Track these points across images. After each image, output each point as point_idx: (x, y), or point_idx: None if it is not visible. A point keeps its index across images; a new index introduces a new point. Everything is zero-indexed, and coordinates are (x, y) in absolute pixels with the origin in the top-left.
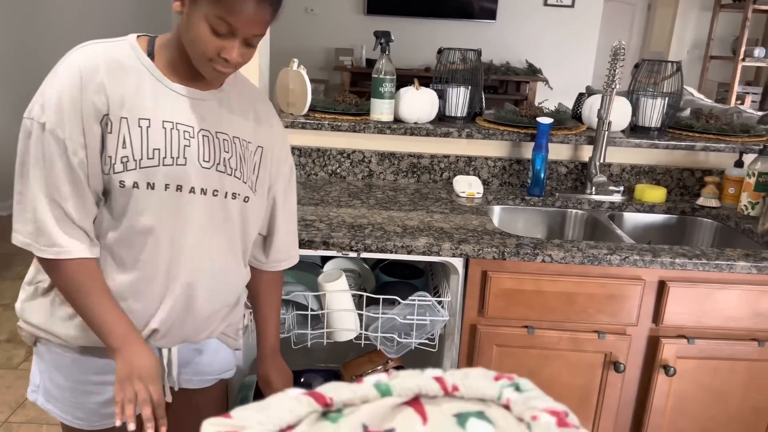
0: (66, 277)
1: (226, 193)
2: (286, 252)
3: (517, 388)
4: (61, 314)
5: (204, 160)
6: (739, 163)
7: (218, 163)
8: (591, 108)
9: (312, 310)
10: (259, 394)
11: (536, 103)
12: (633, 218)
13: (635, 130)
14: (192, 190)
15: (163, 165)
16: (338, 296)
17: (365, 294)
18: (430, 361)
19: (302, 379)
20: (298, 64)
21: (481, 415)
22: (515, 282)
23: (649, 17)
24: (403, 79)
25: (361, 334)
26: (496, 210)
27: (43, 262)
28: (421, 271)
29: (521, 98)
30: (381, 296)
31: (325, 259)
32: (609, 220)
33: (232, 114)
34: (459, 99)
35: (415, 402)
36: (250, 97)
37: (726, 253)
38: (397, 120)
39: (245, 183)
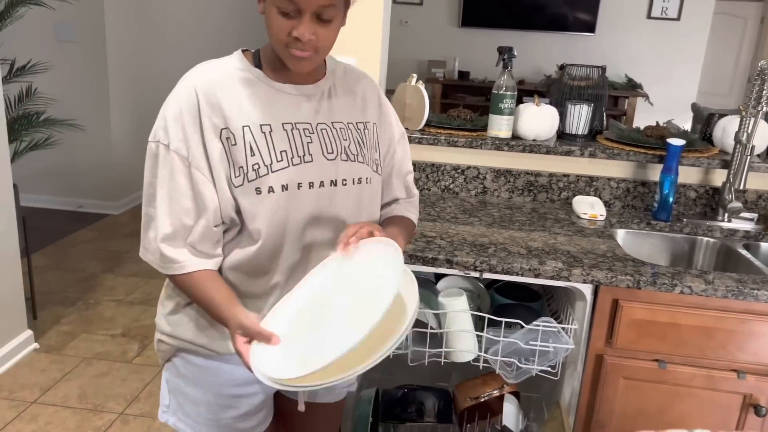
0: (189, 286)
1: (353, 179)
2: (407, 187)
3: None
4: (204, 323)
5: (328, 153)
6: None
7: (341, 153)
8: (725, 130)
9: (431, 328)
10: (375, 409)
11: (632, 120)
12: None
13: None
14: (331, 183)
15: (293, 165)
16: (459, 316)
17: (487, 316)
18: (549, 389)
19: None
20: (416, 80)
21: None
22: (648, 312)
23: (761, 31)
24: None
25: (479, 356)
26: (620, 233)
27: (170, 276)
28: (537, 293)
29: (619, 114)
30: (503, 319)
31: (439, 276)
32: (745, 249)
33: (341, 101)
34: (580, 116)
35: None
36: (353, 78)
37: None
38: (515, 136)
39: (368, 165)
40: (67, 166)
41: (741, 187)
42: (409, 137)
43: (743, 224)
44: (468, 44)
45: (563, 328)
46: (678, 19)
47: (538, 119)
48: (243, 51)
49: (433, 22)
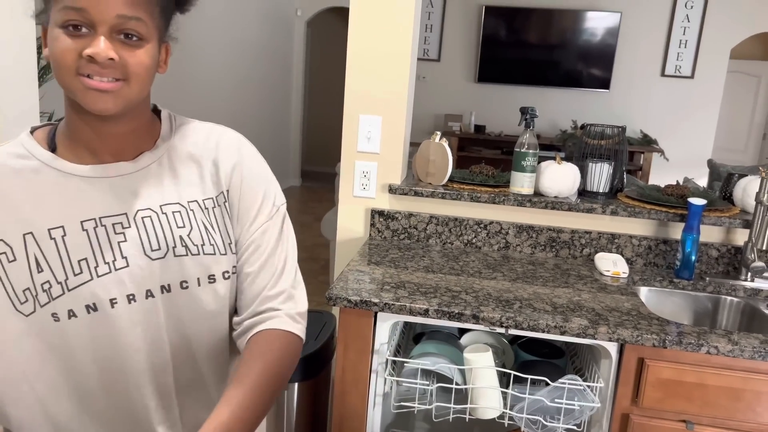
0: None
1: (199, 279)
2: (286, 309)
3: None
4: None
5: (152, 250)
6: None
7: (174, 246)
8: (745, 190)
9: (456, 383)
10: None
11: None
12: None
13: None
14: (150, 294)
15: (98, 276)
16: (484, 372)
17: (513, 372)
18: None
19: None
20: (440, 137)
21: None
22: (675, 372)
23: None
24: (511, 145)
25: (504, 413)
26: (643, 291)
27: None
28: (560, 350)
29: (635, 168)
30: (529, 376)
31: (462, 330)
32: None
33: (178, 174)
34: (602, 174)
35: None
36: (202, 141)
37: None
38: (537, 193)
39: (224, 254)
40: None
41: (763, 247)
42: (432, 192)
43: (766, 284)
44: (484, 99)
45: (588, 386)
46: (692, 77)
47: (560, 177)
48: (36, 129)
49: (450, 78)
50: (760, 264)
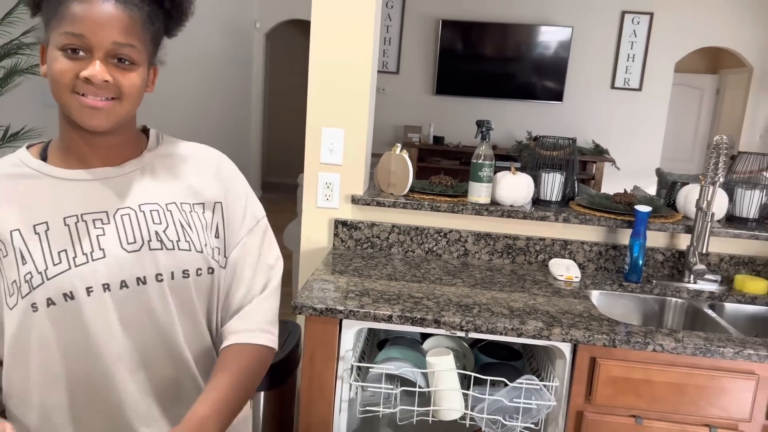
0: None
1: (173, 273)
2: (256, 322)
3: None
4: None
5: (128, 243)
6: None
7: (150, 240)
8: (687, 197)
9: (419, 386)
10: None
11: (601, 185)
12: (734, 309)
13: (731, 220)
14: (124, 284)
15: (75, 266)
16: (446, 375)
17: (473, 374)
18: None
19: None
20: (401, 149)
21: None
22: (624, 370)
23: (717, 101)
24: (469, 156)
25: (466, 414)
26: (595, 294)
27: None
28: (518, 352)
29: (588, 177)
30: (488, 377)
31: (425, 335)
32: (710, 309)
33: (160, 179)
34: (554, 184)
35: None
36: (185, 154)
37: None
38: (494, 202)
39: (200, 252)
40: None
41: (704, 251)
42: (394, 202)
43: (708, 285)
44: (442, 110)
45: (545, 386)
46: (640, 89)
47: (515, 187)
48: (30, 146)
49: (409, 90)
50: (701, 267)
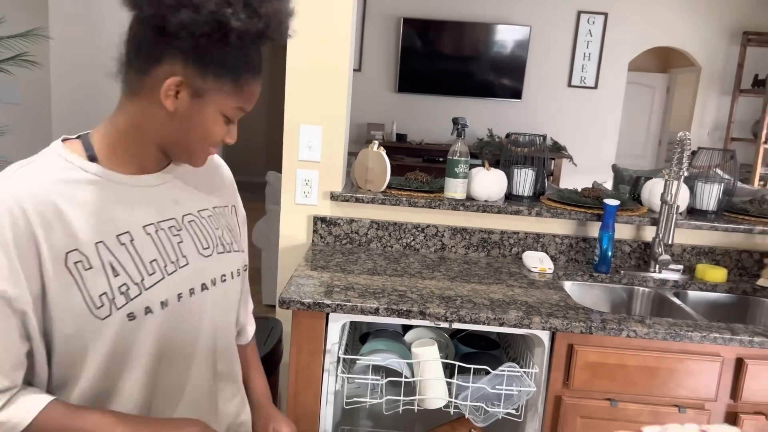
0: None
1: (235, 270)
2: (250, 317)
3: None
4: None
5: (204, 249)
6: None
7: (218, 244)
8: (651, 191)
9: (405, 377)
10: None
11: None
12: (696, 296)
13: (692, 212)
14: (204, 286)
15: (168, 275)
16: (431, 365)
17: (457, 363)
18: (513, 431)
19: None
20: (377, 146)
21: None
22: (600, 355)
23: (668, 99)
24: (432, 153)
25: (450, 402)
26: (567, 285)
27: None
28: (495, 342)
29: (547, 173)
30: (472, 366)
31: (406, 328)
32: (675, 297)
33: (198, 185)
34: (526, 179)
35: None
36: None
37: None
38: (469, 197)
39: (242, 252)
40: None
41: (669, 242)
42: (372, 198)
43: (672, 275)
44: (405, 108)
45: (525, 372)
46: (596, 87)
47: (490, 182)
48: (63, 141)
49: (371, 88)
50: (666, 257)
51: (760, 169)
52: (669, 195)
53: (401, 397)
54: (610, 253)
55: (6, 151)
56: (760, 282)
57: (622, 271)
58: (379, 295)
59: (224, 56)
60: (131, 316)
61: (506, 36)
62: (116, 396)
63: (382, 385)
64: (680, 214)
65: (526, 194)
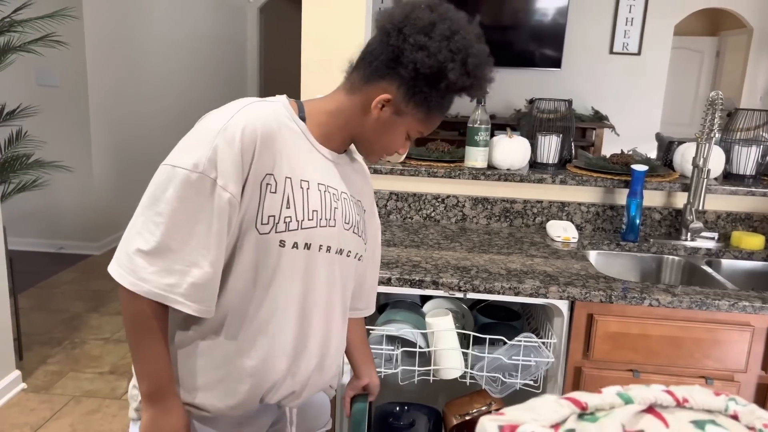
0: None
1: (357, 254)
2: (370, 301)
3: (737, 403)
4: (198, 373)
5: (346, 222)
6: None
7: (354, 225)
8: (683, 156)
9: (420, 347)
10: (369, 421)
11: (601, 150)
12: (731, 265)
13: (728, 177)
14: (339, 251)
15: (320, 227)
16: (446, 335)
17: (472, 333)
18: None
19: (405, 414)
20: None
21: (714, 422)
22: (621, 325)
23: (717, 63)
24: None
25: (466, 372)
26: (592, 255)
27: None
28: (516, 313)
29: (587, 144)
30: (487, 336)
31: (425, 299)
32: (707, 266)
33: (355, 176)
34: (551, 146)
35: (651, 410)
36: (354, 153)
37: None
38: (491, 166)
39: (366, 243)
40: (47, 209)
41: (701, 208)
42: (391, 170)
43: (705, 243)
44: None
45: (543, 343)
46: (639, 53)
47: (512, 150)
48: (289, 99)
49: None
50: (698, 224)
51: None
52: (701, 158)
53: (416, 368)
54: (638, 221)
55: (43, 134)
56: None
57: (651, 240)
58: (393, 265)
59: (429, 95)
60: (282, 243)
61: (546, 4)
62: (259, 312)
63: (397, 355)
64: (715, 179)
65: (551, 162)
